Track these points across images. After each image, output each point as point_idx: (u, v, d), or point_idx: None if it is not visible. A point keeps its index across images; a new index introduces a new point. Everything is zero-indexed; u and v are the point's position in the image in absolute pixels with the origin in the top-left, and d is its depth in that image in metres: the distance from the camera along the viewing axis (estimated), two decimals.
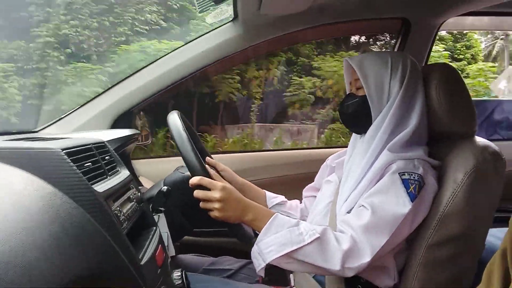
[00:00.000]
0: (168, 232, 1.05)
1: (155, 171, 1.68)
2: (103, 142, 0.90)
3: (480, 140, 1.09)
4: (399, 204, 0.96)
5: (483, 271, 0.72)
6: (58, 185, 0.59)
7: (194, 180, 0.97)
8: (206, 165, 1.02)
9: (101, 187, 0.71)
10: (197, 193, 0.98)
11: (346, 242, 0.94)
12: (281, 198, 1.36)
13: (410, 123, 1.07)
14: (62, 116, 1.54)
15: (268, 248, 0.94)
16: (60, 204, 0.56)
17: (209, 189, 0.97)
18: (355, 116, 1.14)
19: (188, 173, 1.01)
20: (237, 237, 1.13)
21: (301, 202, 1.38)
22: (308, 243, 0.93)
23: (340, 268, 0.93)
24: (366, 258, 0.94)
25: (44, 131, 1.49)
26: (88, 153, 0.76)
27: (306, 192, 1.37)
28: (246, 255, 1.06)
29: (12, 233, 0.46)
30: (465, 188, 1.00)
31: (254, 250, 0.97)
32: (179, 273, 0.90)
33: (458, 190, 1.00)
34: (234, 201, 0.98)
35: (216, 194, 0.96)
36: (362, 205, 1.00)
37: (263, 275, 0.98)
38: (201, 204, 0.98)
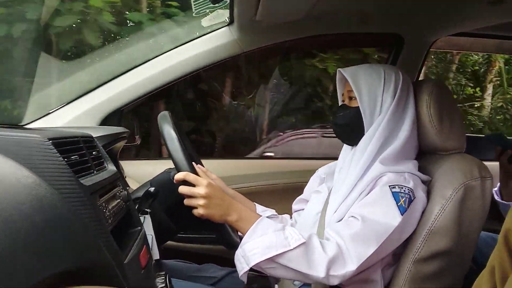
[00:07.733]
0: (153, 235, 1.03)
1: (143, 173, 1.64)
2: (91, 137, 0.87)
3: (469, 157, 1.10)
4: (389, 216, 0.96)
5: None
6: (43, 175, 0.57)
7: (180, 175, 0.96)
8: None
9: (87, 180, 0.68)
10: (182, 188, 0.96)
11: (332, 249, 0.93)
12: (272, 211, 1.33)
13: (401, 136, 1.07)
14: (50, 111, 1.51)
15: (252, 251, 0.92)
16: (44, 195, 0.53)
17: (194, 186, 0.95)
18: (348, 128, 1.13)
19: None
20: (224, 244, 1.10)
21: (291, 217, 1.35)
22: (293, 248, 0.91)
23: (324, 275, 0.91)
24: (351, 266, 0.92)
25: (30, 125, 1.45)
26: (76, 146, 0.73)
27: (295, 205, 1.34)
28: (230, 263, 1.03)
29: None
30: (453, 204, 1.00)
31: (238, 253, 0.95)
32: (163, 277, 0.87)
33: (446, 205, 1.00)
34: (218, 198, 0.96)
35: (201, 190, 0.94)
36: (352, 216, 0.99)
37: (245, 280, 0.95)
38: (185, 201, 0.96)
